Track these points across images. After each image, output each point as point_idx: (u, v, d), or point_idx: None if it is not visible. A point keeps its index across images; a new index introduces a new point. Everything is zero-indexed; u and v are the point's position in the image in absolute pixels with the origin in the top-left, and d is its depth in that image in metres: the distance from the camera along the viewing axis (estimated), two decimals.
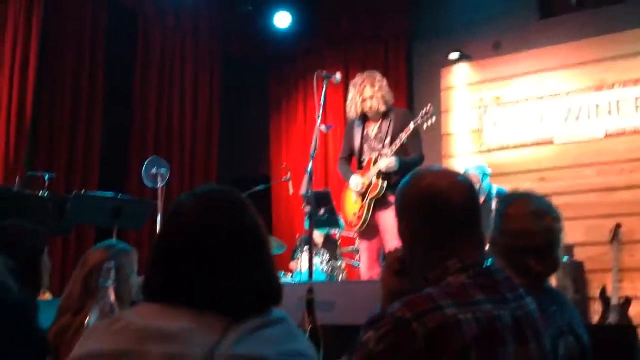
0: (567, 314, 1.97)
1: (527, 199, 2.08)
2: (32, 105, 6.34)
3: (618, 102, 6.48)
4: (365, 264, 4.79)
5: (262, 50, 8.61)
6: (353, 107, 4.81)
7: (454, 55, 7.33)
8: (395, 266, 1.73)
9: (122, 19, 7.44)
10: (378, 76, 4.85)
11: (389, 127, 4.74)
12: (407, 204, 1.66)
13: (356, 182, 4.73)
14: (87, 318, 2.07)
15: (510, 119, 7.04)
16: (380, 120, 4.79)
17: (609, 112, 6.52)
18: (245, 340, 1.26)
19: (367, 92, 4.75)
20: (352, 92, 4.85)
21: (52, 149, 6.67)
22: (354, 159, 4.93)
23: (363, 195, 4.71)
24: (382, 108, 4.75)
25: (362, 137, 4.83)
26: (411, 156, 4.65)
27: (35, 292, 2.50)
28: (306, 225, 4.73)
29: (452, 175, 1.66)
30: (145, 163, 6.02)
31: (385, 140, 4.72)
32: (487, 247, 1.69)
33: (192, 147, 8.09)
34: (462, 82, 7.40)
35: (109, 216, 5.02)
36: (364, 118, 4.86)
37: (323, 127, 4.06)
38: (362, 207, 4.71)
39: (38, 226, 2.57)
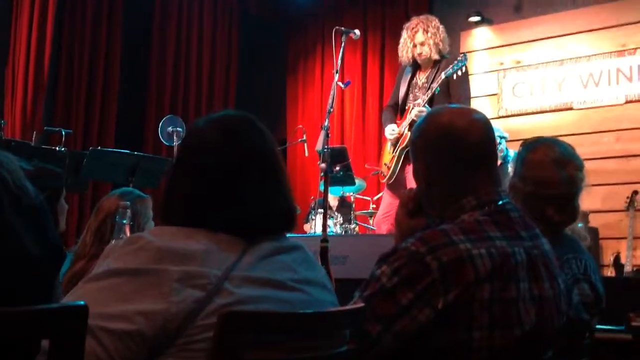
0: (582, 261, 1.96)
1: (550, 145, 2.05)
2: (50, 61, 6.36)
3: None
4: (382, 216, 4.68)
5: (281, 10, 8.54)
6: (404, 52, 4.62)
7: (475, 18, 7.23)
8: (410, 205, 1.72)
9: None
10: (434, 21, 4.63)
11: (434, 76, 4.53)
12: (424, 141, 1.64)
13: (390, 130, 4.61)
14: None
15: (530, 83, 6.95)
16: (430, 69, 4.60)
17: (630, 78, 6.41)
18: (261, 263, 1.27)
19: (419, 38, 4.54)
20: (404, 36, 4.64)
21: (69, 106, 6.70)
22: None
23: (395, 146, 4.62)
24: (435, 56, 4.55)
25: (409, 85, 4.66)
26: None
27: None
28: (320, 186, 4.69)
29: (470, 113, 1.66)
30: (162, 121, 6.04)
31: (428, 90, 4.52)
32: (506, 191, 1.68)
33: (208, 106, 8.08)
34: (481, 45, 7.30)
35: (125, 173, 5.06)
36: (416, 65, 4.68)
37: (341, 83, 4.01)
38: (392, 158, 4.61)
39: (57, 168, 2.59)
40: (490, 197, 1.55)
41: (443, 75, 4.43)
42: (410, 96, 4.65)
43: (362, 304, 1.36)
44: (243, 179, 1.33)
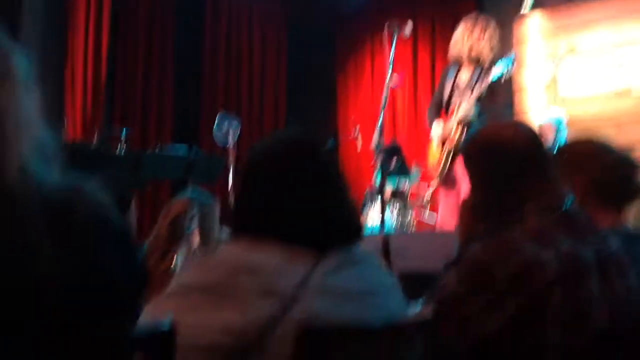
0: None
1: (584, 139, 2.04)
2: (107, 63, 6.51)
3: None
4: (442, 215, 4.70)
5: (329, 6, 8.54)
6: (459, 46, 4.63)
7: (527, 4, 7.08)
8: (472, 211, 1.72)
9: None
10: (492, 23, 4.68)
11: (479, 76, 4.54)
12: (476, 154, 1.68)
13: (437, 129, 4.63)
14: (173, 263, 2.16)
15: (586, 69, 6.78)
16: (473, 68, 4.61)
17: None
18: (334, 274, 1.29)
19: (476, 35, 4.57)
20: (462, 30, 4.65)
21: (126, 105, 6.86)
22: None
23: (443, 144, 4.61)
24: (486, 58, 4.55)
25: (454, 84, 4.66)
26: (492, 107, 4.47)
27: None
28: (377, 176, 4.68)
29: (516, 124, 1.70)
30: (217, 117, 6.10)
31: (473, 89, 4.53)
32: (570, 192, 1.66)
33: (260, 103, 8.17)
34: (535, 33, 7.15)
35: (181, 172, 5.20)
36: (459, 64, 4.69)
37: (393, 83, 4.02)
38: (440, 156, 4.62)
39: (126, 179, 2.65)
40: (552, 202, 1.55)
41: (491, 77, 4.42)
42: (455, 94, 4.64)
43: (433, 313, 1.38)
44: (313, 193, 1.36)
